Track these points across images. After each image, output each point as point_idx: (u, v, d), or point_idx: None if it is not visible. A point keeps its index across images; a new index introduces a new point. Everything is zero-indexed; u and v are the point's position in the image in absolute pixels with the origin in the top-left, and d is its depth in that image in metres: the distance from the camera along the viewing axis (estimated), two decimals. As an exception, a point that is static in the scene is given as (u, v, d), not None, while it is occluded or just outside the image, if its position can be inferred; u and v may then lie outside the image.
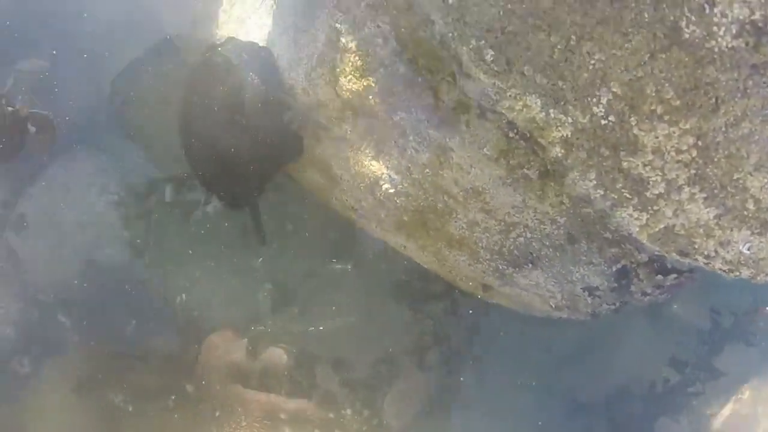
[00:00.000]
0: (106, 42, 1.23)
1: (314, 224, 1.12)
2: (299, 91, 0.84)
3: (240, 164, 0.92)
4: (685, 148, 0.59)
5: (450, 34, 0.66)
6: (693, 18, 0.52)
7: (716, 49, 0.53)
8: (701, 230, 0.65)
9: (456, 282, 0.91)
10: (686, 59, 0.54)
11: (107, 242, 1.22)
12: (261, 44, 0.88)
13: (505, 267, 0.80)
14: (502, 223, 0.76)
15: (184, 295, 1.19)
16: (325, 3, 0.77)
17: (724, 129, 0.56)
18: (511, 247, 0.78)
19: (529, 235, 0.76)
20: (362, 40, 0.75)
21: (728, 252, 0.67)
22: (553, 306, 0.82)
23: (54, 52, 1.23)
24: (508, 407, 1.18)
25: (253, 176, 0.94)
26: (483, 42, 0.63)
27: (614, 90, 0.59)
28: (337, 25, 0.77)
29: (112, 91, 1.22)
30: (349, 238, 1.12)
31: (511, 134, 0.69)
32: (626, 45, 0.56)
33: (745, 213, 0.62)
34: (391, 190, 0.81)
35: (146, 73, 1.20)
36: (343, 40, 0.77)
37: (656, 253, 0.71)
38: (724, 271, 0.69)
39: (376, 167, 0.81)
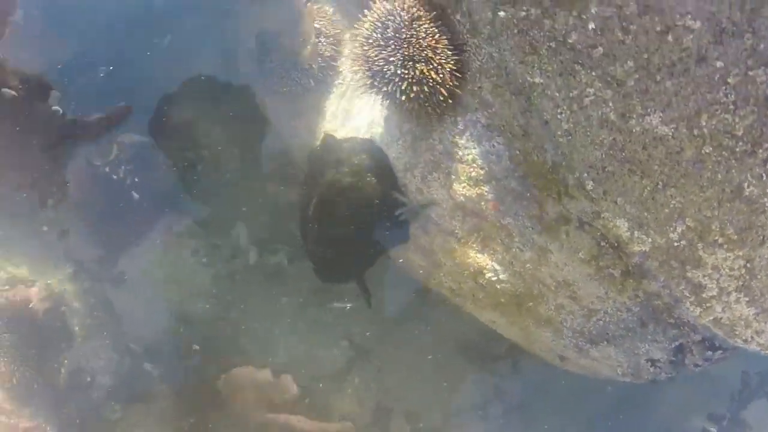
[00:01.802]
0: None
1: (392, 291, 1.40)
2: (413, 190, 1.12)
3: (352, 245, 1.20)
4: (736, 267, 0.89)
5: (559, 163, 0.95)
6: (753, 181, 0.82)
7: (767, 204, 0.83)
8: (742, 322, 0.95)
9: (535, 351, 1.19)
10: (744, 209, 0.84)
11: (196, 298, 1.48)
12: (377, 144, 1.16)
13: (584, 343, 1.10)
14: (586, 309, 1.06)
15: (265, 348, 1.45)
16: (445, 119, 1.06)
17: (767, 257, 0.87)
18: (591, 329, 1.07)
19: (607, 320, 1.05)
20: (478, 155, 1.03)
21: (762, 338, 0.97)
22: (620, 373, 1.11)
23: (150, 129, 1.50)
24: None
25: (362, 256, 1.22)
26: (586, 174, 0.92)
27: (688, 223, 0.88)
28: (456, 139, 1.05)
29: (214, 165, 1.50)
30: (424, 305, 1.40)
31: (602, 243, 0.99)
32: (701, 194, 0.85)
33: (777, 312, 0.93)
34: (494, 278, 1.09)
35: (241, 152, 1.48)
36: (460, 152, 1.05)
37: (707, 335, 1.01)
38: (758, 349, 0.99)
39: (481, 259, 1.10)
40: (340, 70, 1.27)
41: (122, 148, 1.46)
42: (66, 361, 1.50)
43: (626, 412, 1.41)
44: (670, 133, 0.83)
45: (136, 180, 1.45)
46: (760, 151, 0.79)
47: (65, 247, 1.55)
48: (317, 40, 1.23)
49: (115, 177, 1.45)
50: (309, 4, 1.23)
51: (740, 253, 0.88)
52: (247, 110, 1.44)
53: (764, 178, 0.82)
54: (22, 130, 1.57)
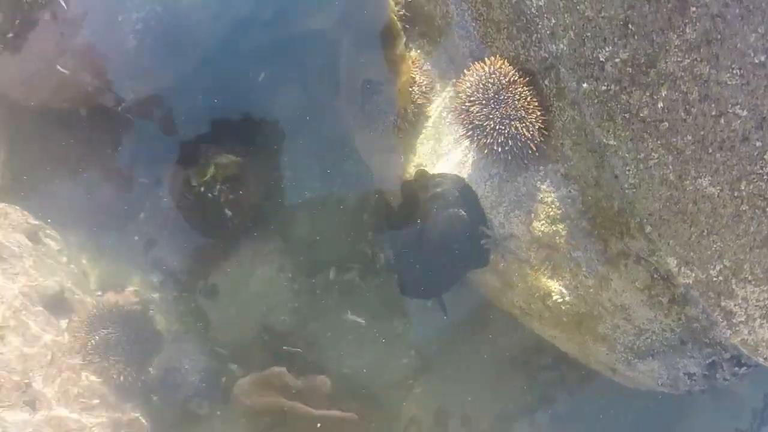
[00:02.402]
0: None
1: (461, 308, 1.67)
2: (497, 224, 1.40)
3: (438, 268, 1.47)
4: (762, 299, 1.16)
5: (624, 209, 1.23)
6: (779, 234, 1.10)
7: (788, 251, 1.11)
8: (764, 343, 1.23)
9: (590, 364, 1.46)
10: (771, 253, 1.12)
11: (280, 311, 1.73)
12: (467, 183, 1.42)
13: (632, 358, 1.37)
14: (637, 329, 1.33)
15: (340, 358, 1.71)
16: (530, 167, 1.33)
17: (789, 291, 1.15)
18: (641, 345, 1.34)
19: (654, 338, 1.32)
20: (556, 198, 1.31)
21: (778, 356, 1.24)
22: (659, 384, 1.38)
23: (246, 150, 1.76)
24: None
25: (447, 277, 1.49)
26: (646, 220, 1.20)
27: (725, 263, 1.15)
28: (538, 184, 1.33)
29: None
30: (487, 321, 1.67)
31: (654, 276, 1.26)
32: (737, 241, 1.13)
33: (794, 336, 1.20)
34: (560, 300, 1.37)
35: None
36: (540, 195, 1.33)
37: (735, 353, 1.28)
38: None
39: (551, 284, 1.37)
40: (429, 115, 1.54)
41: (219, 168, 1.72)
42: (156, 361, 1.74)
43: (661, 424, 1.67)
44: (716, 193, 1.11)
45: (231, 197, 1.70)
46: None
47: (155, 256, 1.80)
48: (412, 89, 1.51)
49: (210, 195, 1.70)
50: (407, 54, 1.50)
51: (765, 288, 1.15)
52: (340, 143, 1.69)
53: (787, 232, 1.11)
54: (122, 146, 1.83)
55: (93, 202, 1.80)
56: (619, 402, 1.64)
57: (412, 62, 1.51)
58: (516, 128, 1.27)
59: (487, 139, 1.27)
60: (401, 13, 1.50)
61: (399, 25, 1.49)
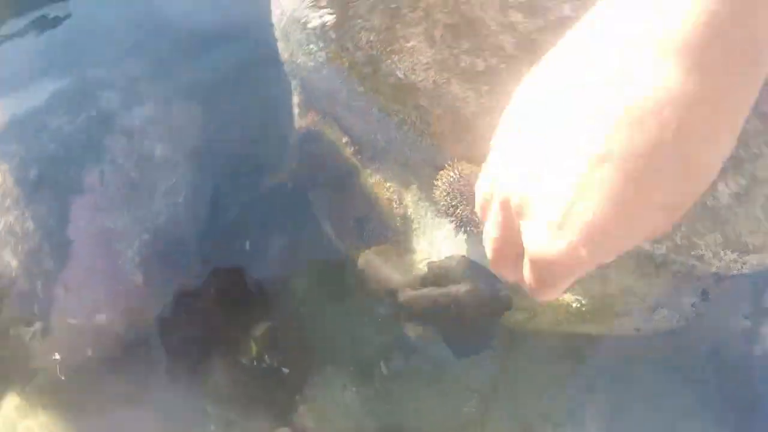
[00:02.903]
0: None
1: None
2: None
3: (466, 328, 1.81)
4: (717, 241, 1.59)
5: None
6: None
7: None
8: (732, 263, 1.66)
9: (615, 332, 1.87)
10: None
11: (365, 421, 2.03)
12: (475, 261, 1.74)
13: (648, 315, 1.78)
14: (642, 296, 1.73)
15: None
16: None
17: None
18: (649, 304, 1.74)
19: (657, 296, 1.74)
20: None
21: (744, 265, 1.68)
22: (675, 322, 1.79)
23: (265, 309, 2.05)
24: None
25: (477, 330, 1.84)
26: None
27: (682, 230, 1.57)
28: None
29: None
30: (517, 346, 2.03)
31: (638, 257, 1.67)
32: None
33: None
34: (578, 305, 1.76)
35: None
36: None
37: (714, 276, 1.70)
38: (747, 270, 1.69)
39: (567, 298, 1.76)
40: (411, 219, 1.87)
41: (258, 341, 1.99)
42: None
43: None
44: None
45: (282, 358, 1.99)
46: None
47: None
48: (396, 206, 1.84)
49: (264, 366, 1.98)
50: (371, 180, 1.83)
51: (715, 233, 1.57)
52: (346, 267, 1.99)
53: None
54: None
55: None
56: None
57: (376, 184, 1.84)
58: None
59: (478, 228, 1.60)
60: (352, 149, 1.83)
61: (355, 160, 1.82)
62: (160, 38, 2.22)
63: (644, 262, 1.73)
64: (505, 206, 0.53)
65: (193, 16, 2.22)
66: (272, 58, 1.75)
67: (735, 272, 1.50)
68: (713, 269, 1.56)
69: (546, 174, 0.46)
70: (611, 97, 0.41)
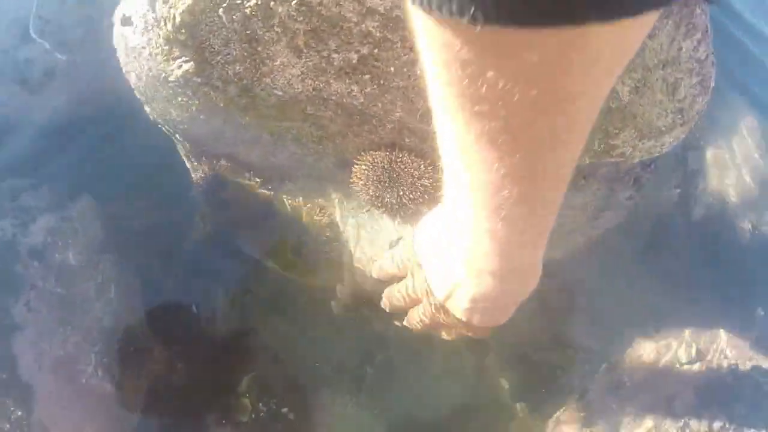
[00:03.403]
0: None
1: None
2: None
3: None
4: (631, 136, 1.63)
5: None
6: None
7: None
8: (647, 149, 1.72)
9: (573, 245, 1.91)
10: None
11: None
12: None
13: (594, 221, 1.83)
14: (585, 205, 1.79)
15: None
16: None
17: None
18: (594, 211, 1.80)
19: (597, 201, 1.78)
20: None
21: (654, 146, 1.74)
22: (620, 218, 1.85)
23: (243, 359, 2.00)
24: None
25: None
26: None
27: (598, 137, 1.61)
28: None
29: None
30: None
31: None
32: None
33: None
34: None
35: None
36: None
37: (639, 164, 1.76)
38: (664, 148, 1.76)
39: None
40: (347, 228, 1.85)
41: (251, 394, 1.96)
42: None
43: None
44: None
45: (278, 401, 1.95)
46: None
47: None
48: (319, 218, 1.82)
49: (263, 414, 1.94)
50: (301, 209, 1.80)
51: (630, 131, 1.62)
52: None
53: None
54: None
55: None
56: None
57: (294, 206, 1.82)
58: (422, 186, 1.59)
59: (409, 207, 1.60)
60: (259, 181, 1.79)
61: (265, 190, 1.78)
62: (17, 141, 2.11)
63: (573, 176, 1.76)
64: (433, 302, 0.85)
65: (40, 109, 2.11)
66: (143, 122, 1.69)
67: (657, 154, 1.56)
68: (636, 160, 1.61)
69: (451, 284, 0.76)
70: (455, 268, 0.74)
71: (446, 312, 0.80)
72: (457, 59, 0.34)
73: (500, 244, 0.61)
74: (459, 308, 0.77)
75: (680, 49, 0.97)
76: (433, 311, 0.84)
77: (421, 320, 0.93)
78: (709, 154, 2.21)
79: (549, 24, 0.29)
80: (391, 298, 1.10)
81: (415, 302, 0.95)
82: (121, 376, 1.79)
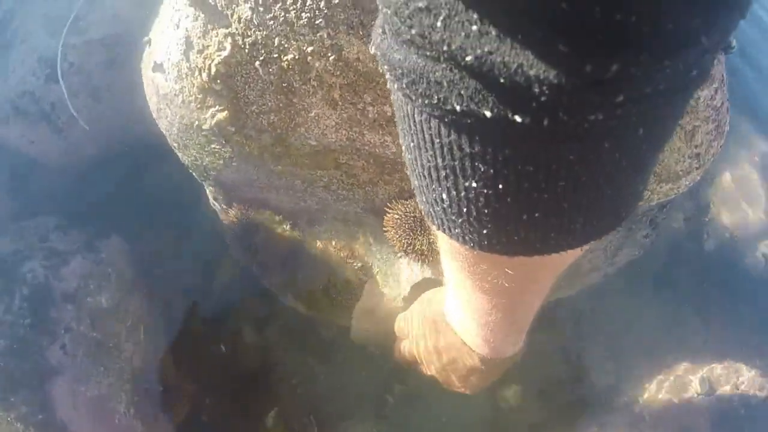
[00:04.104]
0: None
1: None
2: None
3: None
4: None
5: None
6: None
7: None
8: (663, 192, 1.77)
9: (585, 286, 1.95)
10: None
11: None
12: None
13: (612, 260, 1.87)
14: (604, 249, 1.83)
15: None
16: None
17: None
18: (612, 252, 1.85)
19: (614, 241, 1.83)
20: None
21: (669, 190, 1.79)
22: (637, 254, 1.90)
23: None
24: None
25: None
26: None
27: None
28: None
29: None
30: None
31: None
32: None
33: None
34: None
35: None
36: None
37: (658, 207, 1.81)
38: (672, 194, 1.81)
39: None
40: (376, 271, 1.88)
41: (276, 428, 1.98)
42: None
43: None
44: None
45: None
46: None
47: None
48: (350, 261, 1.86)
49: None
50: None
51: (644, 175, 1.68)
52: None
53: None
54: None
55: None
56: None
57: (323, 250, 1.85)
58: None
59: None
60: (289, 225, 1.83)
61: (295, 233, 1.82)
62: (43, 181, 2.15)
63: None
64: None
65: (66, 150, 2.15)
66: (170, 163, 1.73)
67: (673, 196, 1.61)
68: (654, 202, 1.66)
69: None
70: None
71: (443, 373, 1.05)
72: (460, 252, 0.57)
73: (488, 338, 0.85)
74: (456, 375, 1.00)
75: (698, 98, 1.03)
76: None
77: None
78: (718, 185, 2.26)
79: (512, 255, 0.46)
80: (400, 353, 1.33)
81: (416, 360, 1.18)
82: (152, 414, 1.82)
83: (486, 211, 0.38)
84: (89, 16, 1.91)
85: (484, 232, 0.41)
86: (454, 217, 0.41)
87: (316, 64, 1.04)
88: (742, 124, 2.29)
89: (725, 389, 1.85)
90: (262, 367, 1.93)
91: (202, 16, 1.06)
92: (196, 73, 1.13)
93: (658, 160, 0.45)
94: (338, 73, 1.08)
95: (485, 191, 0.37)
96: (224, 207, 1.71)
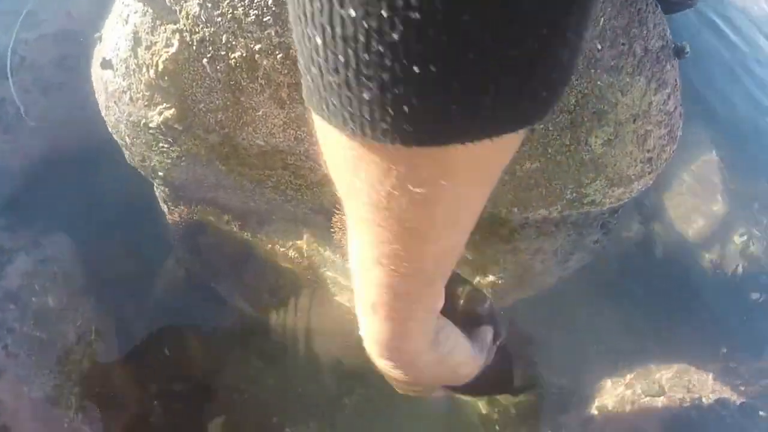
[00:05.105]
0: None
1: None
2: None
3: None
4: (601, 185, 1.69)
5: None
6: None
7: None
8: (616, 196, 1.77)
9: (534, 289, 1.96)
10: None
11: None
12: None
13: (564, 266, 1.88)
14: (555, 252, 1.84)
15: None
16: None
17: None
18: (564, 256, 1.85)
19: (567, 245, 1.83)
20: None
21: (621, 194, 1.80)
22: (586, 261, 1.90)
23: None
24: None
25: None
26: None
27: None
28: None
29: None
30: None
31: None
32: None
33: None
34: (500, 282, 1.82)
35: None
36: None
37: (607, 212, 1.81)
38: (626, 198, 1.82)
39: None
40: (324, 270, 1.87)
41: None
42: None
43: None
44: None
45: None
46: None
47: None
48: (299, 260, 1.84)
49: None
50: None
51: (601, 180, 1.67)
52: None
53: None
54: None
55: None
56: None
57: (270, 250, 1.82)
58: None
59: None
60: (237, 225, 1.80)
61: (244, 234, 1.79)
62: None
63: (543, 225, 1.78)
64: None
65: (13, 149, 2.10)
66: (119, 163, 1.69)
67: (625, 200, 1.61)
68: (606, 207, 1.66)
69: None
70: None
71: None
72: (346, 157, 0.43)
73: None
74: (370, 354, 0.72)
75: (651, 103, 1.02)
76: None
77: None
78: (670, 191, 2.28)
79: (420, 144, 0.35)
80: None
81: None
82: (100, 418, 1.77)
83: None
84: (43, 11, 1.86)
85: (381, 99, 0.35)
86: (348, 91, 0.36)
87: (264, 62, 1.02)
88: (695, 130, 2.31)
89: (677, 392, 1.86)
90: (209, 371, 1.89)
91: (151, 11, 1.03)
92: (144, 69, 1.10)
93: (586, 30, 0.38)
94: (286, 71, 1.06)
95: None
96: (171, 207, 1.67)
